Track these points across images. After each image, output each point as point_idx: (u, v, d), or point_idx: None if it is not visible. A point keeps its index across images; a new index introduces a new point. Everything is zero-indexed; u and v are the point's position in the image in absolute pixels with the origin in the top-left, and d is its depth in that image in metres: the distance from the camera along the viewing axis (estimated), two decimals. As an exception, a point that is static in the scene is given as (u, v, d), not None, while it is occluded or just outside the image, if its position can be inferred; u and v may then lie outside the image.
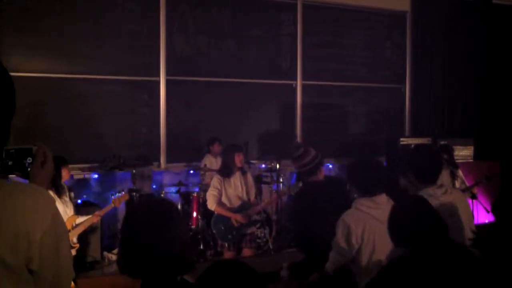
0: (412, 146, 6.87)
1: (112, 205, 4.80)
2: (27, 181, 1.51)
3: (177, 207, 1.99)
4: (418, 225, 2.22)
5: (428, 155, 3.05)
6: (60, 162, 4.59)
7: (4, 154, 1.50)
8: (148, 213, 1.83)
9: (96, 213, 4.75)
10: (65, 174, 4.68)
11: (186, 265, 1.82)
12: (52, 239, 1.34)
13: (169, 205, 1.89)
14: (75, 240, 4.56)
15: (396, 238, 2.32)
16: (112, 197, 4.84)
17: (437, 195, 2.89)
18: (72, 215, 4.61)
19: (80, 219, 4.65)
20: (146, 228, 1.77)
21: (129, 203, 5.44)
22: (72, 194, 4.88)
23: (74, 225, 4.59)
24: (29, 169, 1.52)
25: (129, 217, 1.90)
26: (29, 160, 1.52)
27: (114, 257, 5.81)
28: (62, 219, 1.44)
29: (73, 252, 4.42)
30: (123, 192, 4.90)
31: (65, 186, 4.69)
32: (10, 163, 1.52)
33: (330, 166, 7.77)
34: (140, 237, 1.77)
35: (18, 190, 1.33)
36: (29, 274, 1.31)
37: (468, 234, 2.93)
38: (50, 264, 1.35)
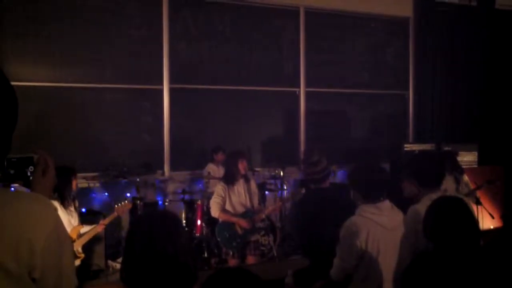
0: (416, 152, 6.86)
1: (116, 214, 4.80)
2: (29, 189, 1.51)
3: (179, 219, 1.98)
4: (456, 225, 2.25)
5: (430, 160, 3.05)
6: (71, 173, 4.59)
7: (6, 163, 1.50)
8: (151, 224, 1.82)
9: (101, 222, 4.75)
10: (74, 185, 4.67)
11: (190, 277, 1.80)
12: (54, 247, 1.34)
13: (171, 216, 1.89)
14: (80, 250, 4.55)
15: (429, 233, 2.34)
16: (116, 206, 4.84)
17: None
18: (77, 225, 4.60)
19: (85, 229, 4.65)
20: (148, 240, 1.77)
21: (133, 211, 5.43)
22: (77, 203, 4.87)
23: (79, 235, 4.58)
24: (30, 177, 1.52)
25: (132, 228, 1.90)
26: (31, 168, 1.52)
27: (118, 266, 5.79)
28: (64, 228, 1.44)
29: (78, 262, 4.41)
30: (126, 201, 4.90)
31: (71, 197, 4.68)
32: (12, 171, 1.52)
33: (333, 172, 7.75)
34: (142, 248, 1.76)
35: (20, 198, 1.33)
36: (31, 283, 1.31)
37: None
38: (52, 272, 1.34)
